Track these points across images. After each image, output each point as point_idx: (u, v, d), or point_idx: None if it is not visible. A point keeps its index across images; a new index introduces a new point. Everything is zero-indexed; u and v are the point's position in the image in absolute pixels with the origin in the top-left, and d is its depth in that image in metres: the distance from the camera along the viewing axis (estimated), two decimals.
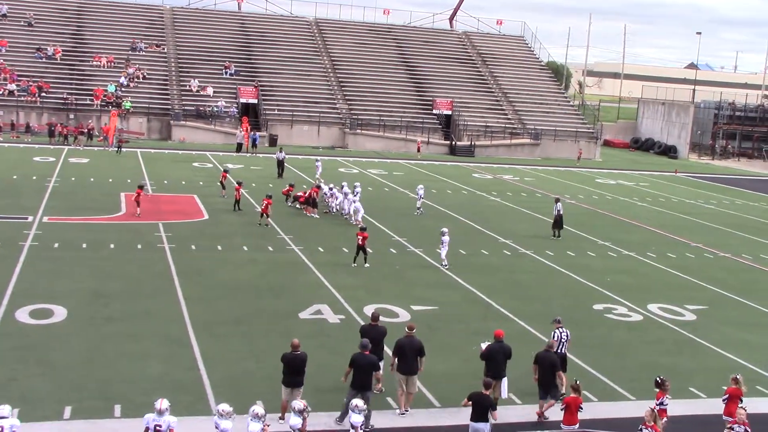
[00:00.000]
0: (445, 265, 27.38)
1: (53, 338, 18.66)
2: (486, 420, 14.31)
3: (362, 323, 19.49)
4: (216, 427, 12.75)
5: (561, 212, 34.10)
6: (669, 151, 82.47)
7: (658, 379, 15.21)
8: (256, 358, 18.17)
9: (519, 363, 17.44)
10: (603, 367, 19.09)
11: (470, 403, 14.44)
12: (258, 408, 12.87)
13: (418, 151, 63.99)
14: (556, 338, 17.12)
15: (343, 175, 47.41)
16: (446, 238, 27.32)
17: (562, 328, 17.37)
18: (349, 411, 13.52)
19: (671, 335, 22.22)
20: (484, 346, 16.56)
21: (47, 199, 35.39)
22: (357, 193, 35.36)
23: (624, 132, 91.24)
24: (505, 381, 16.20)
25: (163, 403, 12.66)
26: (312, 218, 34.85)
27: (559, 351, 16.95)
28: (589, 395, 16.95)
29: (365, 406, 13.71)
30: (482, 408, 14.32)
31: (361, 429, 13.41)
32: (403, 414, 15.82)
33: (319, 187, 37.48)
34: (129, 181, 34.71)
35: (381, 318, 17.53)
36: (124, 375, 16.77)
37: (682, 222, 41.33)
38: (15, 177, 40.49)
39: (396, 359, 16.08)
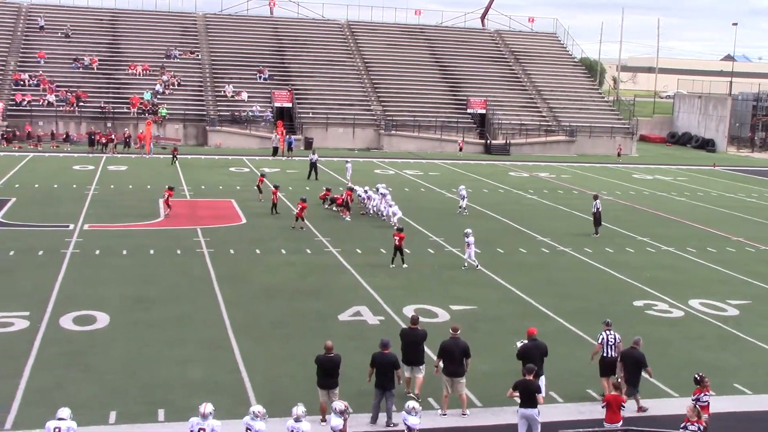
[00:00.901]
0: (466, 266, 27.20)
1: (97, 344, 18.92)
2: (534, 405, 14.26)
3: (402, 324, 19.52)
4: (248, 429, 12.86)
5: (600, 209, 33.79)
6: (707, 145, 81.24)
7: (696, 376, 15.05)
8: (297, 360, 18.24)
9: (558, 361, 17.35)
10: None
11: (516, 393, 14.41)
12: (301, 407, 13.12)
13: (460, 150, 63.95)
14: (601, 341, 16.79)
15: (379, 177, 47.48)
16: (471, 239, 27.13)
17: (610, 330, 16.93)
18: (404, 414, 13.57)
19: (714, 331, 21.94)
20: (519, 345, 16.50)
21: (87, 206, 35.88)
22: (385, 194, 35.52)
23: (660, 127, 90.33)
24: (542, 380, 16.05)
25: (207, 407, 12.81)
26: (347, 221, 34.87)
27: (606, 355, 16.67)
28: None
29: (420, 407, 13.73)
30: (529, 393, 14.29)
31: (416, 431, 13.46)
32: (444, 414, 15.80)
33: (351, 189, 37.49)
34: (167, 187, 35.07)
35: (421, 319, 17.50)
36: (166, 379, 16.97)
37: (722, 216, 40.79)
38: (56, 186, 41.14)
39: (440, 361, 16.05)
